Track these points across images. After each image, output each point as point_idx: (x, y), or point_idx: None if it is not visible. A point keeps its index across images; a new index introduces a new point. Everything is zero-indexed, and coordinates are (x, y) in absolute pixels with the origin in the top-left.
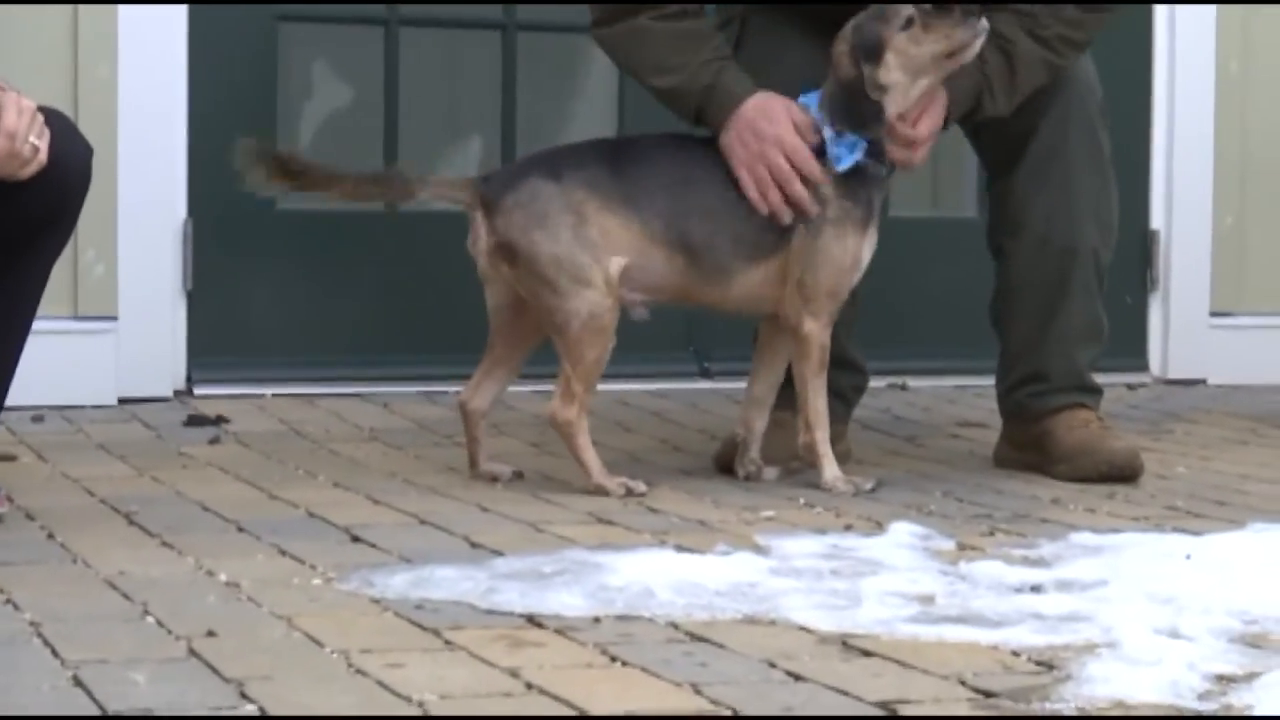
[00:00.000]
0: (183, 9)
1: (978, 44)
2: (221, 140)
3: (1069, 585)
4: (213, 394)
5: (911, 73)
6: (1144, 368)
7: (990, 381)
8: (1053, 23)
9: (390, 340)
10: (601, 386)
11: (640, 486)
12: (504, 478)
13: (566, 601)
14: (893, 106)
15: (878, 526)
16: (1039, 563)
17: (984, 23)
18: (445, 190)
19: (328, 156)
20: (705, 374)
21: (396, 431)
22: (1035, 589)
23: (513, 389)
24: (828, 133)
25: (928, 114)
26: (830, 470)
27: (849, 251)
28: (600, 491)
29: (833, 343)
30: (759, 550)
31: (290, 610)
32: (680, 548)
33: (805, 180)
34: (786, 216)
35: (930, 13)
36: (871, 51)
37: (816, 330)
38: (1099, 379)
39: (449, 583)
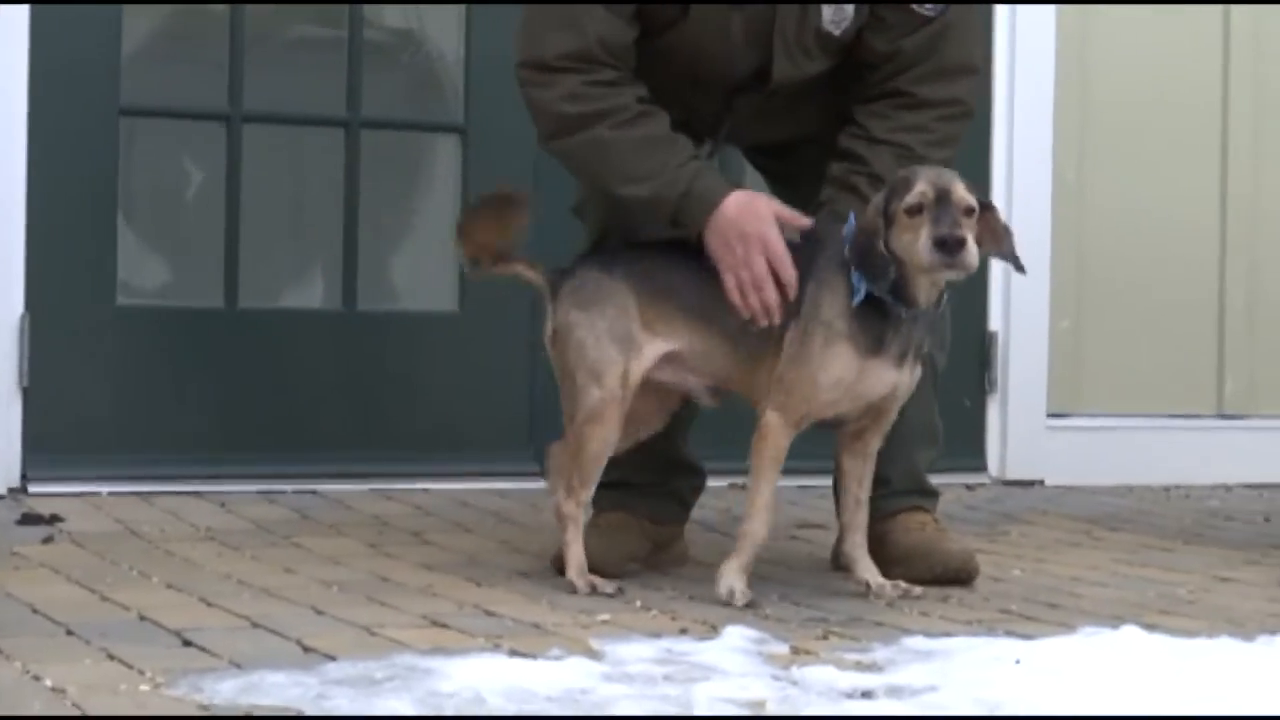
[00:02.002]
0: (23, 99)
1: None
2: (60, 235)
3: (899, 691)
4: (48, 492)
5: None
6: (982, 468)
7: (831, 482)
8: (928, 151)
9: (229, 439)
10: (441, 486)
11: (607, 587)
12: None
13: (396, 708)
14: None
15: (712, 630)
16: (871, 668)
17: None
18: (525, 271)
19: (168, 250)
20: (546, 474)
21: (233, 532)
22: (866, 695)
23: (346, 487)
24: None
25: None
26: (726, 580)
27: (831, 368)
28: (570, 588)
29: (669, 444)
30: (593, 655)
31: (116, 716)
32: (514, 652)
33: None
34: (764, 320)
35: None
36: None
37: (775, 424)
38: (938, 479)
39: (278, 689)
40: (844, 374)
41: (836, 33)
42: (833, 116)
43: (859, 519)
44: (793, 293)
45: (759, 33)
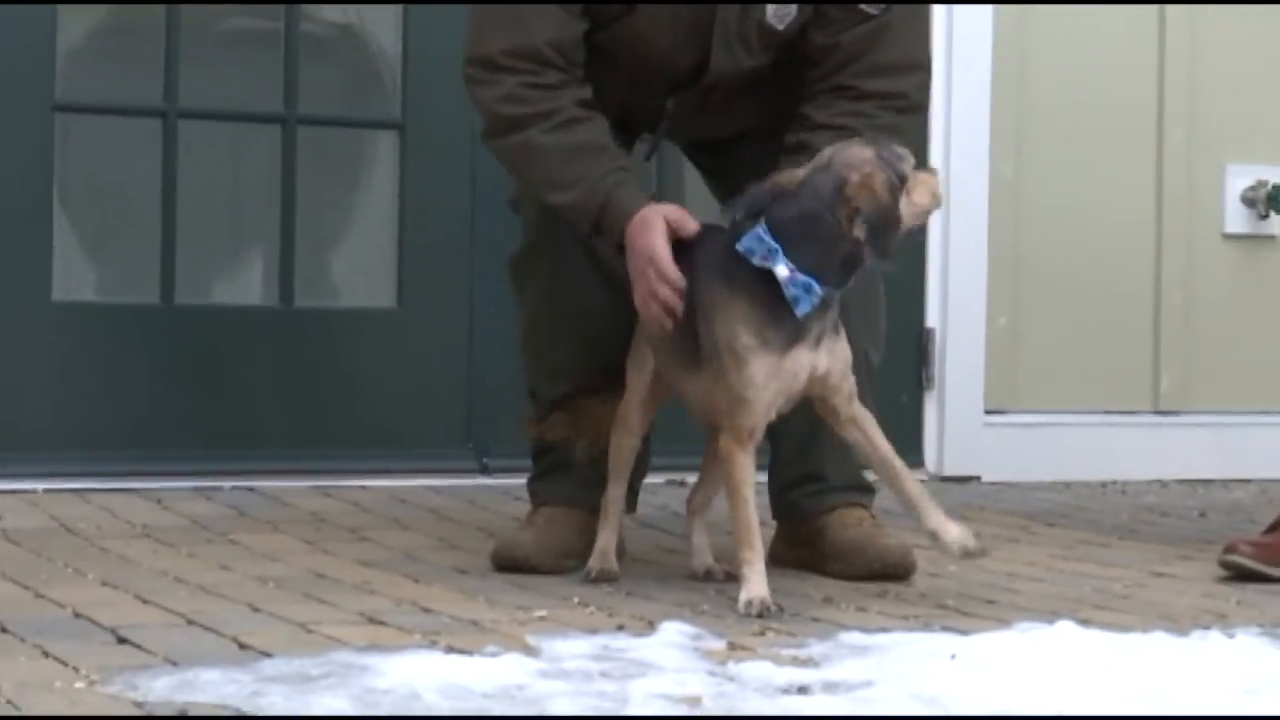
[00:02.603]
0: None
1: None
2: None
3: (835, 686)
4: None
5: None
6: (919, 464)
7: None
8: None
9: (165, 436)
10: (379, 483)
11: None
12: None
13: (331, 705)
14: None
15: (649, 626)
16: (807, 663)
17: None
18: None
19: (104, 247)
20: (484, 470)
21: (169, 529)
22: (802, 690)
23: (284, 484)
24: (784, 268)
25: None
26: (746, 590)
27: (755, 384)
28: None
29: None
30: (529, 651)
31: (50, 715)
32: (450, 649)
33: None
34: (659, 328)
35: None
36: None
37: (729, 447)
38: (875, 476)
39: (213, 686)
40: (768, 382)
41: (780, 27)
42: (771, 114)
43: (899, 481)
44: (675, 299)
45: (701, 26)
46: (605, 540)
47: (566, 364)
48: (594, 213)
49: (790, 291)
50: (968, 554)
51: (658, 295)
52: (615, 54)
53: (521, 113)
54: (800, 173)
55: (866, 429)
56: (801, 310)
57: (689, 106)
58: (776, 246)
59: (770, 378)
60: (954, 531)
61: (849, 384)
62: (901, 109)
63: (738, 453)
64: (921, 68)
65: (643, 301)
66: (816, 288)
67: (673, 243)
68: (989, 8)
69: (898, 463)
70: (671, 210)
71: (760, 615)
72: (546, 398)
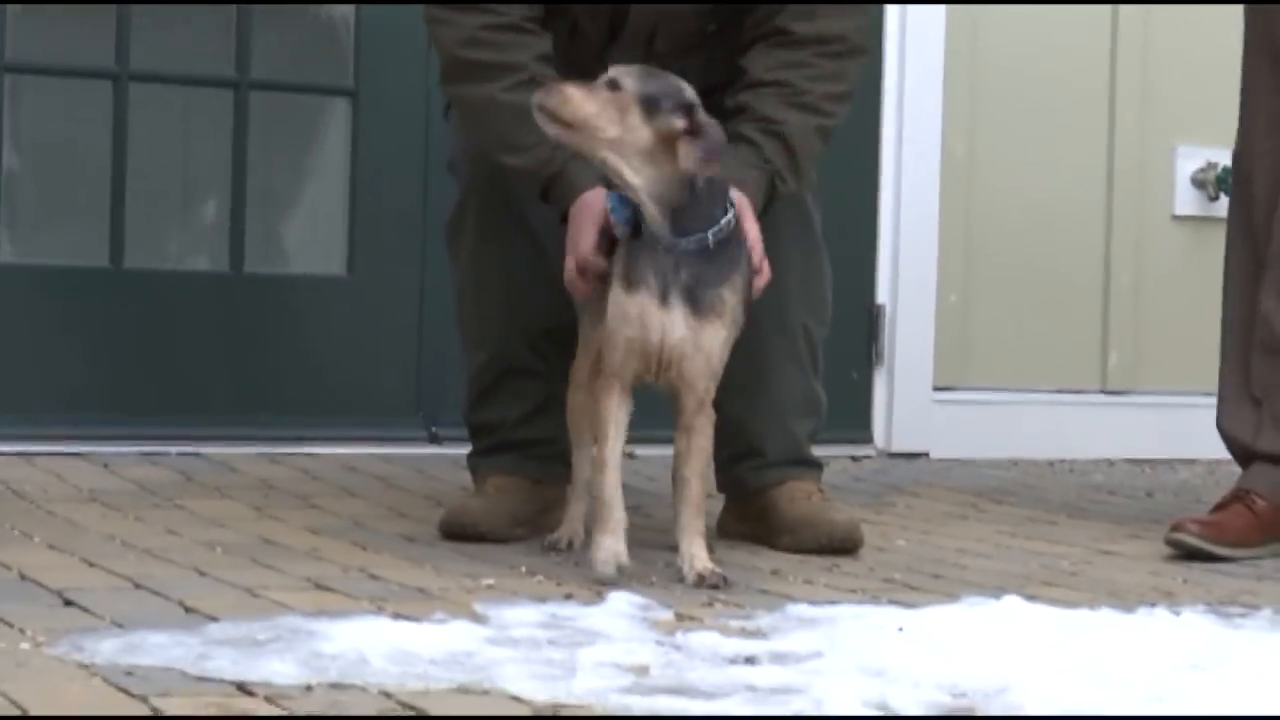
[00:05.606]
0: None
1: None
2: None
3: (783, 658)
4: None
5: None
6: (868, 440)
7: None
8: (812, 86)
9: (113, 400)
10: (327, 450)
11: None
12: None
13: (278, 669)
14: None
15: (598, 596)
16: (755, 634)
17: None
18: None
19: (53, 209)
20: (434, 439)
21: (116, 493)
22: (750, 660)
23: (232, 450)
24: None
25: (748, 221)
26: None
27: (611, 312)
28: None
29: (559, 405)
30: (477, 619)
31: None
32: (398, 615)
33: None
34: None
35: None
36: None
37: (595, 389)
38: (823, 451)
39: (160, 649)
40: (620, 325)
41: None
42: (721, 77)
43: (682, 494)
44: (590, 285)
45: None
46: (576, 509)
47: (487, 331)
48: (545, 180)
49: (607, 204)
50: (701, 581)
51: (578, 278)
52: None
53: (483, 59)
54: None
55: (694, 442)
56: (616, 216)
57: (631, 62)
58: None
59: (622, 320)
60: (700, 560)
61: (701, 386)
62: (842, 54)
63: (600, 395)
64: (861, 9)
65: (569, 277)
66: (621, 206)
67: None
68: None
69: (693, 487)
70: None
71: (714, 586)
72: (472, 368)
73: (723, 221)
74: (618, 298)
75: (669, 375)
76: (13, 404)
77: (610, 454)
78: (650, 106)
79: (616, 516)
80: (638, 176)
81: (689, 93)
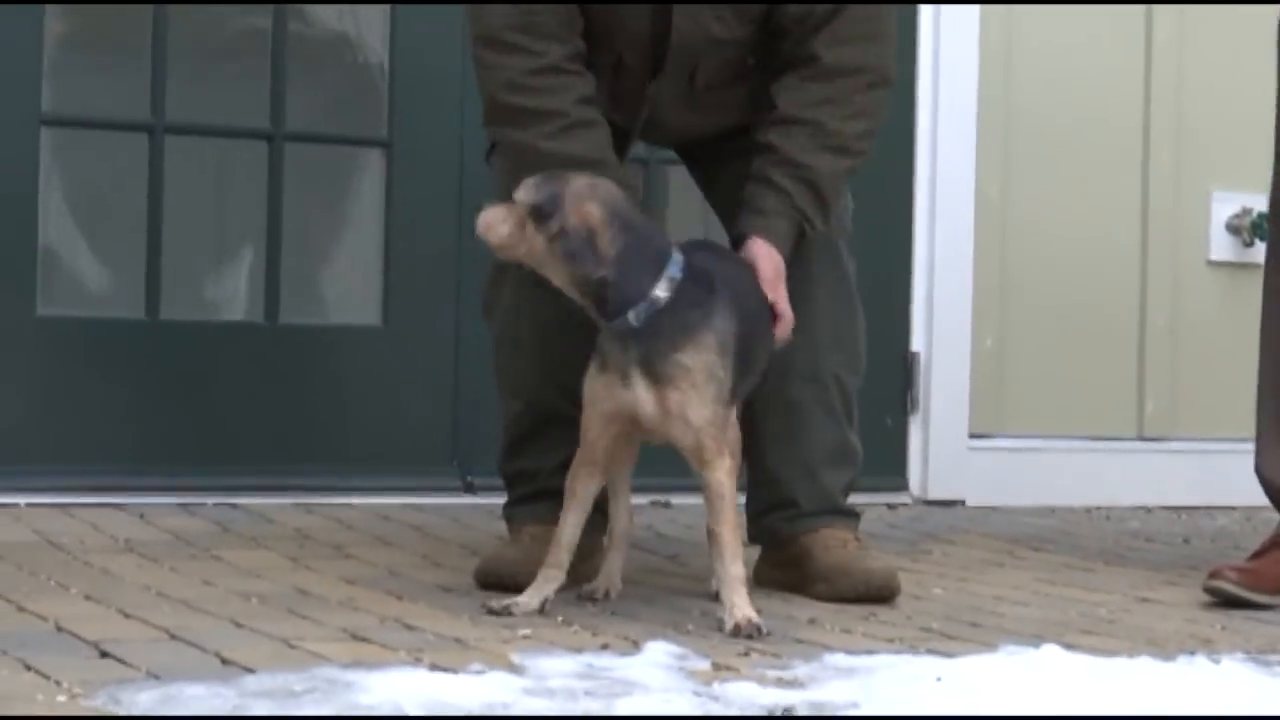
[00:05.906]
0: None
1: None
2: None
3: (821, 707)
4: None
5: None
6: (904, 488)
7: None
8: (843, 125)
9: (149, 451)
10: (362, 500)
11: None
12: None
13: None
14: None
15: (634, 646)
16: (792, 684)
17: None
18: None
19: (89, 261)
20: (469, 488)
21: (152, 544)
22: (787, 711)
23: (268, 500)
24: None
25: (764, 269)
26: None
27: (585, 392)
28: None
29: None
30: (514, 669)
31: None
32: (434, 666)
33: None
34: None
35: None
36: None
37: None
38: (858, 499)
39: (197, 700)
40: (593, 402)
41: None
42: (758, 109)
43: (713, 548)
44: None
45: None
46: (613, 558)
47: (523, 380)
48: None
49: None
50: (738, 631)
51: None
52: (591, 24)
53: (523, 105)
54: None
55: (708, 496)
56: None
57: (669, 98)
58: None
59: (592, 398)
60: (740, 609)
61: (690, 446)
62: (873, 85)
63: (574, 468)
64: (890, 36)
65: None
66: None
67: None
68: (975, 24)
69: (723, 538)
70: None
71: (749, 636)
72: (507, 417)
73: (651, 295)
74: (591, 377)
75: (658, 440)
76: (50, 455)
77: (567, 526)
78: (537, 215)
79: (552, 575)
80: (555, 277)
81: (570, 189)
